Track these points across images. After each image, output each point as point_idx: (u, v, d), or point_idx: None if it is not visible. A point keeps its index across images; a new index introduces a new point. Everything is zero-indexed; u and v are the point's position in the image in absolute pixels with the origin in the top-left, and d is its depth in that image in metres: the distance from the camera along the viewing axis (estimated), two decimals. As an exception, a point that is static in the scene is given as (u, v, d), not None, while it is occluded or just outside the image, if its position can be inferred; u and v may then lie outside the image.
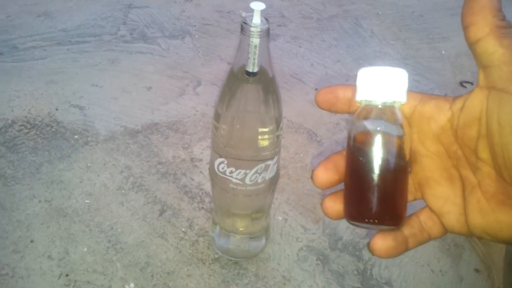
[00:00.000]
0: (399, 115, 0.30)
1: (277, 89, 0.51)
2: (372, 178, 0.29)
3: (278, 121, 0.53)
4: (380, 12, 1.34)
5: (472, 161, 0.29)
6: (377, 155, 0.29)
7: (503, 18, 0.27)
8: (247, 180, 0.54)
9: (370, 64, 1.12)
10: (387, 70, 0.30)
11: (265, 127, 0.52)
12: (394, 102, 0.30)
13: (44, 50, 1.05)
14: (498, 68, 0.26)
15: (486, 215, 0.28)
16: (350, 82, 1.01)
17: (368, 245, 0.31)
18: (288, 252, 0.68)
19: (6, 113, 0.87)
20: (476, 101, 0.28)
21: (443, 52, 1.19)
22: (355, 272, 0.66)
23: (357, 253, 0.69)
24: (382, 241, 0.30)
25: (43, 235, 0.67)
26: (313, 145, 0.86)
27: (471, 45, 0.28)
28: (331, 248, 0.69)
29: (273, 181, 0.58)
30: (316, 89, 1.00)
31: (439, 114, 0.30)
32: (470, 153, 0.29)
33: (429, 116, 0.31)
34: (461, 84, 1.07)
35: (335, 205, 0.32)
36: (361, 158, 0.30)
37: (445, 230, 0.31)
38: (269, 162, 0.54)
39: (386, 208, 0.29)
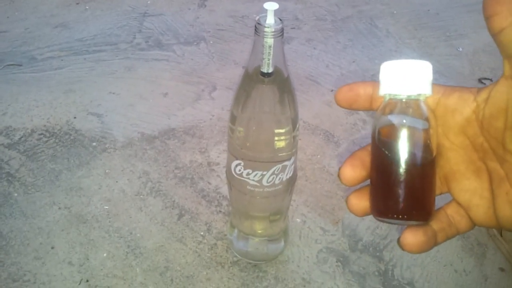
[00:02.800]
0: (424, 108, 0.30)
1: (292, 89, 0.51)
2: (399, 173, 0.29)
3: (294, 122, 0.52)
4: (395, 12, 1.33)
5: (499, 153, 0.28)
6: (404, 149, 0.29)
7: None
8: (264, 182, 0.54)
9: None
10: (410, 62, 0.30)
11: (281, 128, 0.52)
12: (419, 95, 0.29)
13: (62, 60, 1.07)
14: None
15: None
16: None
17: (398, 240, 0.30)
18: (307, 254, 0.67)
19: (25, 122, 0.88)
20: (502, 91, 0.28)
21: (461, 50, 1.17)
22: (376, 273, 0.65)
23: (377, 254, 0.68)
24: (413, 236, 0.30)
25: (64, 241, 0.68)
26: (330, 146, 0.85)
27: (495, 35, 0.27)
28: (351, 250, 0.68)
29: (291, 182, 0.57)
30: (332, 90, 0.99)
31: (463, 106, 0.30)
32: (496, 145, 0.28)
33: (453, 108, 0.30)
34: (480, 81, 1.05)
35: (361, 202, 0.31)
36: (387, 153, 0.29)
37: (473, 224, 0.31)
38: (286, 163, 0.53)
39: (414, 203, 0.29)
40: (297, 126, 0.53)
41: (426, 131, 0.29)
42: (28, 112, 0.91)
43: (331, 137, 0.87)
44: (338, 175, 0.32)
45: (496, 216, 0.29)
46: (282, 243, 0.65)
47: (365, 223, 0.70)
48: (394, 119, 0.30)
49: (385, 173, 0.30)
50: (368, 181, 0.32)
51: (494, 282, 0.65)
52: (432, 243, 0.30)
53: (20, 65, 1.05)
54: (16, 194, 0.74)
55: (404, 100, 0.30)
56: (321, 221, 0.72)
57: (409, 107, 0.30)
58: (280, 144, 0.52)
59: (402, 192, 0.29)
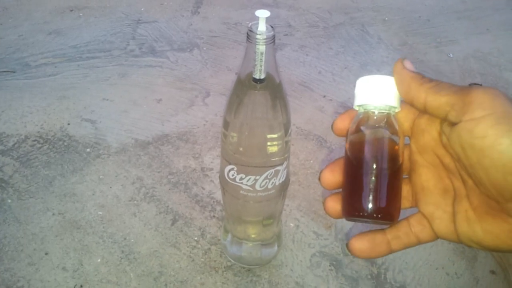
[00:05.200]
0: (394, 122, 0.32)
1: (284, 95, 0.52)
2: (365, 177, 0.31)
3: (286, 127, 0.53)
4: (386, 18, 1.35)
5: (462, 173, 0.31)
6: (370, 157, 0.32)
7: (422, 77, 0.31)
8: (257, 186, 0.54)
9: (378, 70, 1.12)
10: (381, 78, 0.32)
11: (273, 133, 0.52)
12: (389, 108, 0.32)
13: (56, 67, 1.07)
14: (450, 113, 0.29)
15: (472, 225, 0.30)
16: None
17: (346, 245, 0.34)
18: (300, 258, 0.68)
19: (19, 129, 0.88)
20: (455, 136, 0.30)
21: (451, 56, 1.19)
22: (369, 277, 0.66)
23: (370, 258, 0.68)
24: (358, 243, 0.33)
25: (57, 247, 0.68)
26: (323, 151, 0.86)
27: (423, 111, 0.31)
28: (344, 253, 0.69)
29: (284, 187, 0.58)
30: (324, 96, 1.00)
31: (431, 127, 0.32)
32: (459, 165, 0.30)
33: (423, 128, 0.33)
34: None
35: (336, 204, 0.34)
36: (355, 159, 0.32)
37: (436, 236, 0.33)
38: (278, 168, 0.54)
39: (378, 205, 0.31)
40: (290, 131, 0.54)
41: (393, 141, 0.32)
42: (21, 119, 0.91)
43: (324, 142, 0.88)
44: (319, 178, 0.35)
45: (456, 231, 0.31)
46: (276, 247, 0.66)
47: (357, 227, 0.70)
48: (365, 129, 0.32)
49: (353, 177, 0.32)
50: None
51: (485, 285, 0.66)
52: (383, 250, 0.33)
53: (14, 72, 1.05)
54: (9, 200, 0.74)
55: (375, 113, 0.32)
56: (314, 225, 0.72)
57: (379, 120, 0.32)
58: (273, 149, 0.53)
59: (367, 194, 0.31)
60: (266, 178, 0.54)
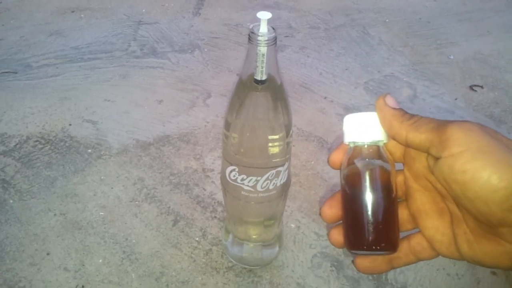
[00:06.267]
0: (383, 152, 0.34)
1: (285, 96, 0.52)
2: (363, 210, 0.33)
3: (287, 128, 0.53)
4: (387, 20, 1.35)
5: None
6: (366, 189, 0.33)
7: (403, 114, 0.32)
8: (258, 187, 0.54)
9: (379, 72, 1.12)
10: (366, 115, 0.34)
11: (275, 134, 0.52)
12: (377, 141, 0.34)
13: (57, 68, 1.08)
14: (430, 149, 0.30)
15: (472, 246, 0.31)
16: (358, 89, 1.02)
17: (352, 262, 0.36)
18: (302, 259, 0.68)
19: (21, 129, 0.89)
20: (440, 170, 0.31)
21: (452, 57, 1.19)
22: (370, 278, 0.66)
23: (371, 259, 0.68)
24: (362, 262, 0.36)
25: (59, 247, 0.68)
26: (324, 152, 0.86)
27: (406, 146, 0.32)
28: (345, 254, 0.69)
29: (285, 188, 0.58)
30: (325, 98, 1.01)
31: (420, 156, 0.33)
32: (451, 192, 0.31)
33: (414, 157, 0.34)
34: (471, 88, 1.07)
35: (339, 236, 0.35)
36: (352, 193, 0.33)
37: (435, 254, 0.34)
38: (280, 169, 0.54)
39: (379, 236, 0.32)
40: (291, 132, 0.54)
41: (386, 171, 0.33)
42: (23, 119, 0.91)
43: (325, 144, 0.88)
44: (319, 213, 0.37)
45: (458, 251, 0.32)
46: (277, 248, 0.66)
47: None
48: (357, 162, 0.34)
49: (352, 211, 0.34)
50: None
51: (486, 286, 0.66)
52: (384, 267, 0.35)
53: (16, 73, 1.05)
54: (11, 201, 0.74)
55: (365, 146, 0.34)
56: (315, 226, 0.73)
57: (370, 152, 0.34)
58: (274, 150, 0.53)
59: (365, 227, 0.32)
60: (267, 179, 0.54)
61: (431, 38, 1.28)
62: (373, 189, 0.33)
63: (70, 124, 0.91)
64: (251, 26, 0.47)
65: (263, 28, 0.46)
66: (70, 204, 0.74)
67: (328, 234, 0.36)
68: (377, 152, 0.34)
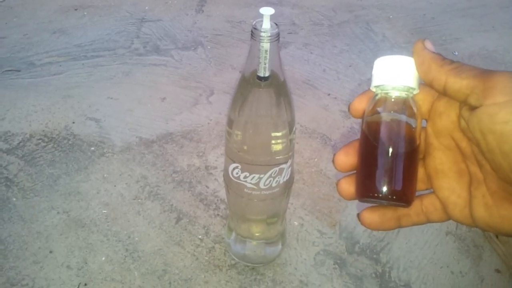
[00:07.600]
0: (412, 104, 0.32)
1: (288, 93, 0.52)
2: (380, 158, 0.31)
3: (291, 125, 0.53)
4: (391, 16, 1.34)
5: (479, 158, 0.30)
6: (387, 139, 0.31)
7: (443, 58, 0.30)
8: (261, 185, 0.54)
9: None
10: (400, 58, 0.31)
11: (278, 131, 0.52)
12: (407, 89, 0.31)
13: (60, 66, 1.08)
14: (470, 97, 0.28)
15: (489, 210, 0.29)
16: (362, 86, 1.01)
17: (358, 215, 0.34)
18: (305, 256, 0.68)
19: (24, 127, 0.89)
20: (475, 121, 0.29)
21: (456, 53, 1.18)
22: (373, 275, 0.66)
23: (374, 256, 0.68)
24: (369, 215, 0.34)
25: (62, 245, 0.68)
26: (327, 149, 0.86)
27: (442, 94, 0.30)
28: (348, 252, 0.68)
29: (288, 185, 0.58)
30: (329, 94, 1.00)
31: (450, 110, 0.31)
32: (476, 150, 0.30)
33: (441, 111, 0.32)
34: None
35: (350, 186, 0.34)
36: (372, 140, 0.31)
37: (447, 217, 0.32)
38: (283, 166, 0.54)
39: (394, 186, 0.31)
40: (294, 129, 0.54)
41: (411, 125, 0.31)
42: (26, 117, 0.91)
43: (328, 141, 0.88)
44: (333, 161, 0.34)
45: (472, 216, 0.31)
46: (280, 246, 0.66)
47: (362, 226, 0.70)
48: (382, 111, 0.32)
49: (369, 159, 0.32)
50: None
51: (490, 284, 0.66)
52: (392, 224, 0.34)
53: (19, 71, 1.05)
54: (14, 199, 0.74)
55: (393, 96, 0.32)
56: (318, 224, 0.72)
57: (397, 103, 0.32)
58: (277, 147, 0.53)
59: (383, 175, 0.31)
60: (270, 176, 0.54)
61: (436, 34, 1.27)
62: (396, 140, 0.31)
63: (73, 122, 0.90)
64: (254, 22, 0.46)
65: (266, 24, 0.46)
66: (73, 202, 0.74)
67: (337, 184, 0.34)
68: (405, 102, 0.31)
